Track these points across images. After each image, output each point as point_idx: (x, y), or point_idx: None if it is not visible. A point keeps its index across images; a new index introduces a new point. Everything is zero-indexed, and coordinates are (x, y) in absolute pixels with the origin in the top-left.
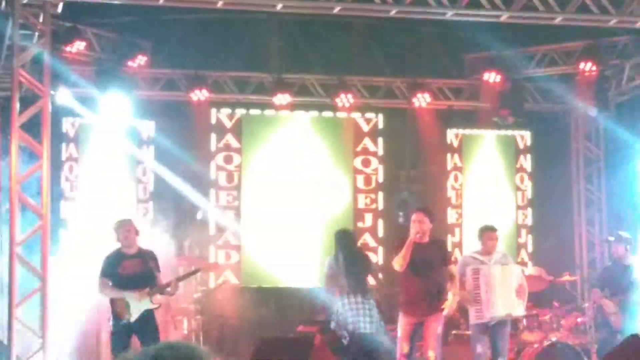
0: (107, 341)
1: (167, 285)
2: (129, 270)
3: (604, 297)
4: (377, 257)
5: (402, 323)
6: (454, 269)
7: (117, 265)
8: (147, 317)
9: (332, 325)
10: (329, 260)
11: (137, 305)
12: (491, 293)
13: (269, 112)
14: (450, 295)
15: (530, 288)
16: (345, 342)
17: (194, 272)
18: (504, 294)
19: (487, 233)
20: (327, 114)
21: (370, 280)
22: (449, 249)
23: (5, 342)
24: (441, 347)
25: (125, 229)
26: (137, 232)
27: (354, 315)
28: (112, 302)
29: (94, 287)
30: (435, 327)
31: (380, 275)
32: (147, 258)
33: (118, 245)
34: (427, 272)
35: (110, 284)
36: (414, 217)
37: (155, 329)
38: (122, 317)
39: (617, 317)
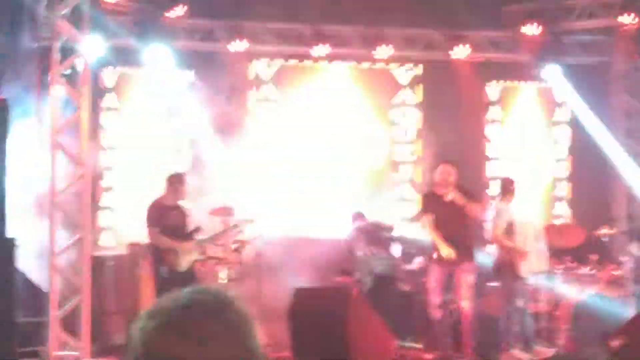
0: (144, 283)
1: (212, 238)
2: (173, 221)
3: None
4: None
5: (433, 274)
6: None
7: (162, 216)
8: (192, 267)
9: (357, 275)
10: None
11: (186, 255)
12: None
13: (307, 64)
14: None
15: (567, 242)
16: (369, 284)
17: (233, 227)
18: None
19: (512, 184)
20: (366, 65)
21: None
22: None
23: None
24: (474, 297)
25: (187, 183)
26: None
27: (374, 259)
28: (165, 251)
29: (137, 232)
30: (466, 277)
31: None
32: (184, 211)
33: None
34: (454, 225)
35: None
36: (440, 169)
37: (197, 279)
38: (173, 267)
39: None
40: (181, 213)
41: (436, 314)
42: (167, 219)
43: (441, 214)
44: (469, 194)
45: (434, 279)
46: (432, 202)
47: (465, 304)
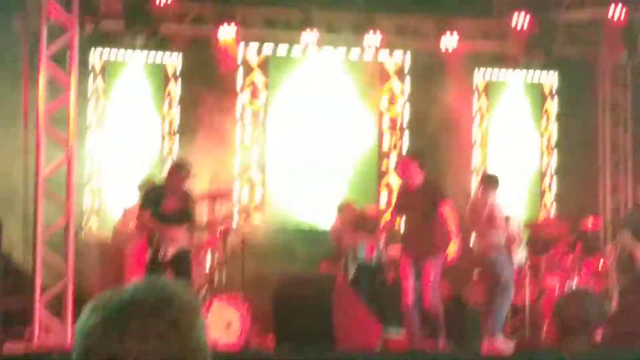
0: (129, 268)
1: (205, 227)
2: (171, 207)
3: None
4: None
5: (402, 263)
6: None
7: (158, 203)
8: (183, 256)
9: (342, 262)
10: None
11: (172, 242)
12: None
13: (296, 49)
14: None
15: (552, 237)
16: (354, 273)
17: (224, 218)
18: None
19: (496, 180)
20: (355, 52)
21: None
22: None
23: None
24: (438, 290)
25: (189, 174)
26: None
27: (359, 248)
28: (151, 235)
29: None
30: (429, 275)
31: None
32: (188, 198)
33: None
34: (417, 219)
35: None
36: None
37: (189, 270)
38: (159, 252)
39: None
40: (182, 200)
41: (408, 302)
42: (162, 203)
43: (407, 206)
44: (437, 191)
45: (402, 269)
46: (401, 198)
47: (429, 297)
